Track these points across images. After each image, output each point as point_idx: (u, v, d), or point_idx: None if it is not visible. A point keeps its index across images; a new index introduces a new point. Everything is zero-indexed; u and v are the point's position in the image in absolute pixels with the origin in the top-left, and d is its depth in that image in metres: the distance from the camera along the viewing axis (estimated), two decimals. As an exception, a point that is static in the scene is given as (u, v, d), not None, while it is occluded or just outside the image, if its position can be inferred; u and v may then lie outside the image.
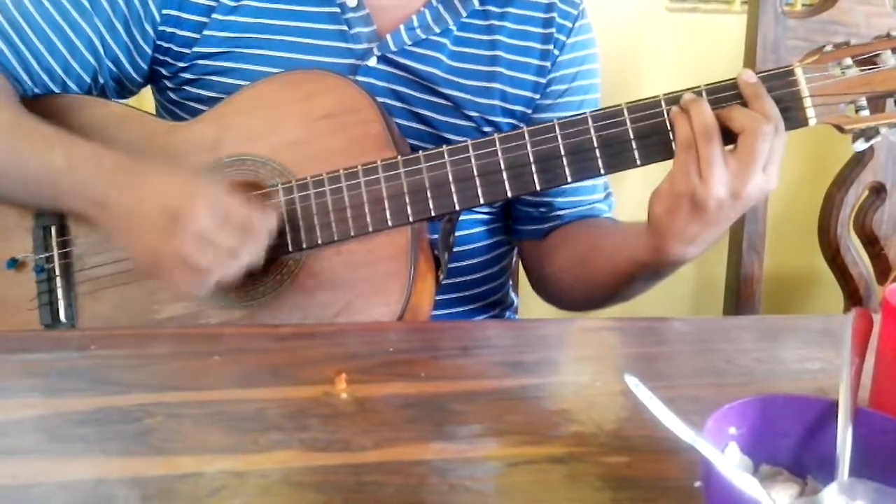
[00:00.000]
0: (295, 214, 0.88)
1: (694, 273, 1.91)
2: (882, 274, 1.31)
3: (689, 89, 0.82)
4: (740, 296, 1.30)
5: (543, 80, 1.04)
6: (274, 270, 0.89)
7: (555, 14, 1.03)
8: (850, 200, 1.29)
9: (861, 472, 0.50)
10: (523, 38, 1.03)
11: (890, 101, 0.80)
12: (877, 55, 0.79)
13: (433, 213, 0.86)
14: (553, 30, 1.03)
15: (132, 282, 0.89)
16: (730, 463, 0.52)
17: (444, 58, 0.99)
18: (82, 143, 0.86)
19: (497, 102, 1.01)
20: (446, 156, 0.85)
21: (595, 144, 0.83)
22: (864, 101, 0.79)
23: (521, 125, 0.98)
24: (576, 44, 1.06)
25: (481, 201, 0.86)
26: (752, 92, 0.80)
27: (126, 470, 0.57)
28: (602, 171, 0.84)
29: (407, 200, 0.86)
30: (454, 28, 1.00)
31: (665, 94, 0.83)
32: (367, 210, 0.86)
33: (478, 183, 0.85)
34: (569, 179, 0.84)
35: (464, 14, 0.99)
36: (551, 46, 1.03)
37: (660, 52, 1.71)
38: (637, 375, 0.52)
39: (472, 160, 0.85)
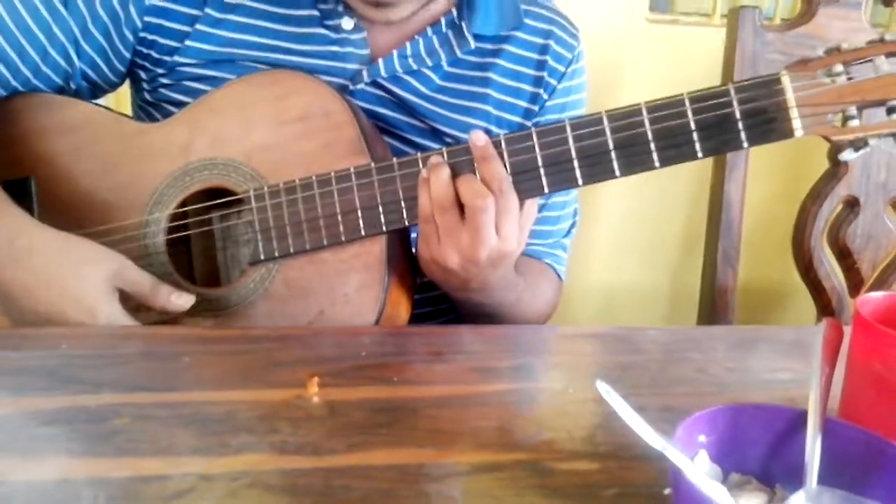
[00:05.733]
0: (267, 223, 0.86)
1: (669, 284, 1.92)
2: (854, 287, 1.33)
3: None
4: (715, 307, 1.31)
5: (529, 123, 1.03)
6: (246, 278, 0.88)
7: (548, 57, 1.03)
8: (825, 214, 1.30)
9: (829, 482, 0.51)
10: (516, 78, 1.02)
11: (880, 110, 0.76)
12: (869, 61, 0.75)
13: (407, 223, 0.85)
14: (545, 73, 1.03)
15: None
16: (699, 471, 0.52)
17: (428, 90, 0.99)
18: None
19: None
20: (420, 164, 0.84)
21: (573, 155, 0.81)
22: (853, 111, 0.76)
23: None
24: (566, 88, 1.06)
25: None
26: (479, 155, 0.81)
27: (91, 470, 0.56)
28: (580, 182, 0.82)
29: (381, 210, 0.84)
30: (445, 64, 0.99)
31: (646, 103, 0.80)
32: (339, 219, 0.85)
33: None
34: (546, 190, 0.83)
35: (459, 53, 0.99)
36: (541, 90, 1.03)
37: (639, 63, 1.72)
38: (610, 383, 0.52)
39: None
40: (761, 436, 0.55)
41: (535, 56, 1.03)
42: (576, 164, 0.81)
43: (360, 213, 0.85)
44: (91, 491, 0.54)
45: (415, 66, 0.97)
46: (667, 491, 0.54)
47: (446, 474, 0.58)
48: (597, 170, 0.81)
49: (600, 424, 0.65)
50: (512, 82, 1.02)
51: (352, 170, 0.85)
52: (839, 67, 0.75)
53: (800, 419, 0.54)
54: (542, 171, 0.82)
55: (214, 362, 0.74)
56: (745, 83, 0.78)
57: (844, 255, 1.32)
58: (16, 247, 0.82)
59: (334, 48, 0.96)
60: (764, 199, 1.68)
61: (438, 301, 1.01)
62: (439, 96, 0.99)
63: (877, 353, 0.60)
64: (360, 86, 0.96)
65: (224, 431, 0.61)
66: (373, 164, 0.85)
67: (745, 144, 0.79)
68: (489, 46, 1.01)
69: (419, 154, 0.84)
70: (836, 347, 0.60)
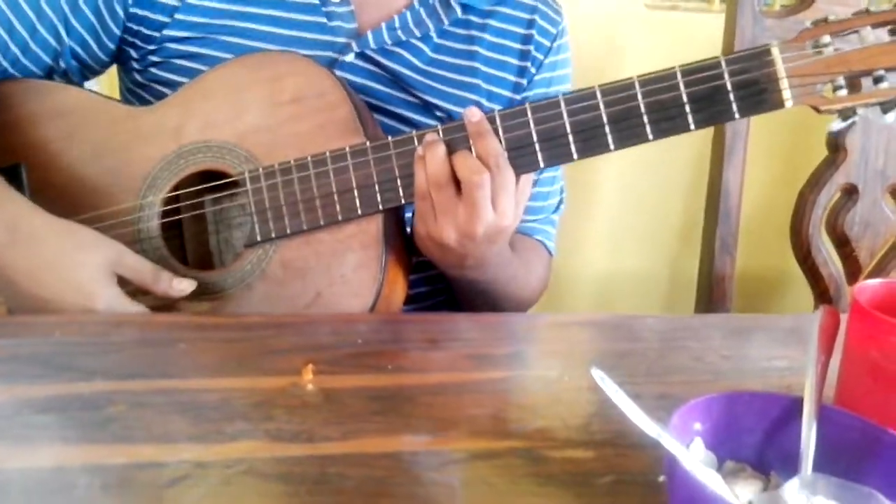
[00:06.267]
0: (263, 204, 0.86)
1: (667, 272, 1.92)
2: (852, 275, 1.32)
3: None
4: (712, 295, 1.31)
5: (518, 97, 1.04)
6: (242, 261, 0.88)
7: (534, 31, 1.03)
8: (823, 201, 1.30)
9: (824, 469, 0.51)
10: (501, 51, 1.03)
11: (867, 80, 0.77)
12: (854, 32, 0.76)
13: (403, 201, 0.85)
14: (531, 47, 1.04)
15: None
16: (694, 458, 0.52)
17: (421, 63, 0.99)
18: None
19: None
20: (416, 141, 0.83)
21: (567, 130, 0.81)
22: (841, 81, 0.76)
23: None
24: (553, 63, 1.06)
25: None
26: (474, 131, 0.81)
27: (86, 458, 0.56)
28: (575, 157, 0.82)
29: (377, 189, 0.84)
30: (434, 35, 0.99)
31: (639, 76, 0.81)
32: (336, 198, 0.85)
33: None
34: (541, 165, 0.83)
35: (446, 22, 0.99)
36: (528, 64, 1.04)
37: (639, 49, 1.71)
38: (606, 371, 0.52)
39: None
40: (756, 423, 0.55)
41: (520, 30, 1.03)
42: (570, 138, 0.81)
43: (356, 192, 0.85)
44: (86, 478, 0.54)
45: (403, 37, 0.97)
46: (661, 478, 0.54)
47: (441, 462, 0.57)
48: (591, 144, 0.81)
49: (596, 412, 0.65)
50: (498, 56, 1.02)
51: (347, 149, 0.84)
52: (826, 38, 0.76)
53: (795, 407, 0.54)
54: (537, 146, 0.82)
55: (209, 349, 0.74)
56: (736, 55, 0.79)
57: (842, 243, 1.32)
58: (16, 232, 0.81)
59: (322, 20, 0.95)
60: (762, 186, 1.67)
61: (434, 280, 1.02)
62: (431, 69, 1.00)
63: (873, 341, 0.59)
64: (349, 58, 0.96)
65: (219, 419, 0.61)
66: (368, 143, 0.85)
67: (737, 115, 0.79)
68: (476, 20, 1.01)
69: (414, 132, 0.84)
70: (833, 335, 0.60)
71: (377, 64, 0.97)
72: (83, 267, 0.82)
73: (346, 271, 0.86)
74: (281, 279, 0.87)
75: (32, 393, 0.64)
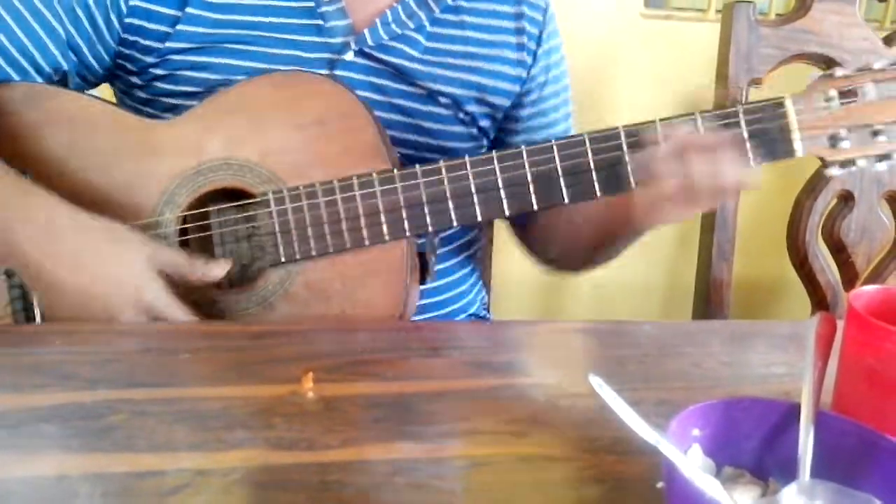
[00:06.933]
0: (287, 225, 0.86)
1: (665, 279, 1.92)
2: (849, 281, 1.33)
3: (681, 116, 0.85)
4: (710, 302, 1.31)
5: (524, 74, 1.05)
6: (264, 281, 0.88)
7: (524, 8, 1.05)
8: (819, 208, 1.30)
9: (823, 475, 0.51)
10: (496, 31, 1.04)
11: (866, 133, 0.83)
12: (858, 87, 0.82)
13: (430, 229, 0.85)
14: (525, 23, 1.05)
15: None
16: (692, 464, 0.52)
17: (418, 53, 1.00)
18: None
19: (474, 94, 1.02)
20: (444, 171, 0.84)
21: (592, 167, 0.85)
22: (844, 133, 0.82)
23: (497, 116, 1.04)
24: (548, 50, 1.08)
25: (479, 218, 0.86)
26: (688, 141, 0.83)
27: (88, 466, 0.56)
28: (598, 194, 0.86)
29: (404, 215, 0.85)
30: (427, 24, 1.00)
31: (661, 120, 0.85)
32: (363, 223, 0.85)
33: (475, 200, 0.86)
34: (566, 200, 0.85)
35: (436, 11, 1.00)
36: (525, 39, 1.05)
37: (634, 58, 1.72)
38: (605, 378, 0.53)
39: (471, 177, 0.85)
40: (755, 429, 0.55)
41: (508, 9, 1.05)
42: (593, 175, 0.86)
43: (383, 218, 0.85)
44: (87, 487, 0.54)
45: (399, 31, 0.98)
46: (660, 485, 0.54)
47: (441, 470, 0.58)
48: (613, 182, 0.86)
49: (594, 419, 0.65)
50: (494, 36, 1.04)
51: (375, 175, 0.85)
52: (832, 92, 0.82)
53: (793, 412, 0.54)
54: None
55: (210, 358, 0.74)
56: (752, 105, 0.83)
57: (839, 250, 1.32)
58: (53, 228, 0.82)
59: (318, 22, 0.96)
60: (758, 193, 1.68)
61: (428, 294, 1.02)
62: (430, 57, 1.00)
63: (869, 347, 0.60)
64: (349, 57, 0.96)
65: (220, 427, 0.61)
66: (396, 171, 0.85)
67: (752, 164, 0.84)
68: (465, 4, 1.03)
69: (442, 161, 0.85)
70: (829, 341, 0.61)
71: (376, 60, 0.98)
72: (129, 261, 0.83)
73: (371, 295, 0.86)
74: (305, 300, 0.87)
75: (34, 402, 0.64)
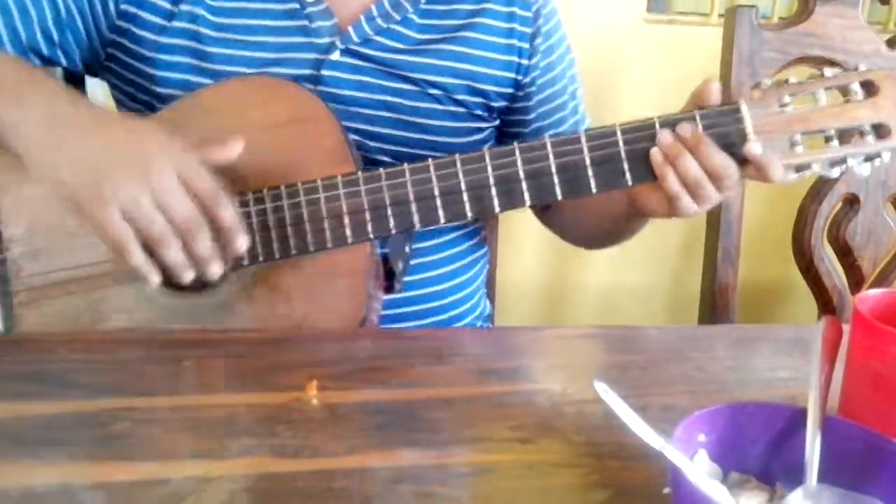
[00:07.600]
0: (251, 227, 0.86)
1: (670, 284, 1.92)
2: (856, 285, 1.32)
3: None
4: (715, 306, 1.31)
5: (517, 59, 1.04)
6: (226, 281, 0.87)
7: (515, 7, 1.03)
8: (825, 211, 1.30)
9: (829, 479, 0.51)
10: (487, 15, 1.02)
11: (819, 138, 0.84)
12: (810, 94, 0.83)
13: (393, 231, 0.85)
14: (515, 8, 1.03)
15: (76, 292, 0.86)
16: (698, 470, 0.52)
17: (407, 45, 0.99)
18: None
19: (465, 82, 1.01)
20: (407, 174, 0.84)
21: (556, 168, 0.84)
22: (798, 137, 0.82)
23: (493, 105, 1.03)
24: (547, 32, 1.06)
25: (441, 220, 0.85)
26: (693, 144, 0.83)
27: (92, 475, 0.56)
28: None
29: (367, 217, 0.84)
30: (414, 16, 1.00)
31: (621, 125, 0.84)
32: (326, 226, 0.85)
33: (438, 203, 0.84)
34: (527, 202, 0.84)
35: (423, 1, 0.99)
36: (516, 25, 1.03)
37: (637, 63, 1.72)
38: (610, 383, 0.52)
39: (434, 180, 0.84)
40: (761, 434, 0.55)
41: None
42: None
43: (346, 220, 0.85)
44: (91, 495, 0.54)
45: (384, 25, 0.98)
46: (666, 490, 0.54)
47: (446, 476, 0.58)
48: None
49: (600, 425, 0.64)
50: (486, 20, 1.02)
51: (339, 178, 0.85)
52: (787, 98, 0.83)
53: (799, 417, 0.54)
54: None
55: (214, 366, 0.74)
56: (710, 110, 0.83)
57: (845, 253, 1.32)
58: (76, 97, 0.84)
59: (305, 23, 0.96)
60: (764, 197, 1.67)
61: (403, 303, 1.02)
62: (420, 47, 1.00)
63: (875, 351, 0.60)
64: (336, 56, 0.96)
65: (224, 435, 0.61)
66: (360, 174, 0.85)
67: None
68: None
69: (406, 165, 0.84)
70: (836, 345, 0.60)
71: (363, 56, 0.98)
72: (152, 128, 0.82)
73: (333, 298, 0.86)
74: (267, 301, 0.86)
75: (38, 410, 0.64)
